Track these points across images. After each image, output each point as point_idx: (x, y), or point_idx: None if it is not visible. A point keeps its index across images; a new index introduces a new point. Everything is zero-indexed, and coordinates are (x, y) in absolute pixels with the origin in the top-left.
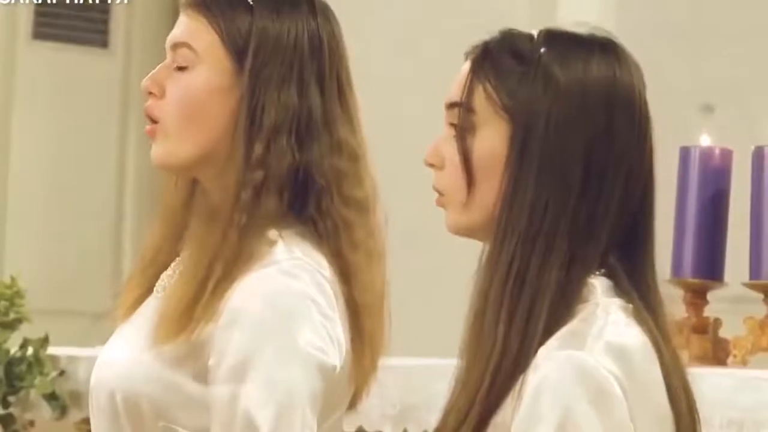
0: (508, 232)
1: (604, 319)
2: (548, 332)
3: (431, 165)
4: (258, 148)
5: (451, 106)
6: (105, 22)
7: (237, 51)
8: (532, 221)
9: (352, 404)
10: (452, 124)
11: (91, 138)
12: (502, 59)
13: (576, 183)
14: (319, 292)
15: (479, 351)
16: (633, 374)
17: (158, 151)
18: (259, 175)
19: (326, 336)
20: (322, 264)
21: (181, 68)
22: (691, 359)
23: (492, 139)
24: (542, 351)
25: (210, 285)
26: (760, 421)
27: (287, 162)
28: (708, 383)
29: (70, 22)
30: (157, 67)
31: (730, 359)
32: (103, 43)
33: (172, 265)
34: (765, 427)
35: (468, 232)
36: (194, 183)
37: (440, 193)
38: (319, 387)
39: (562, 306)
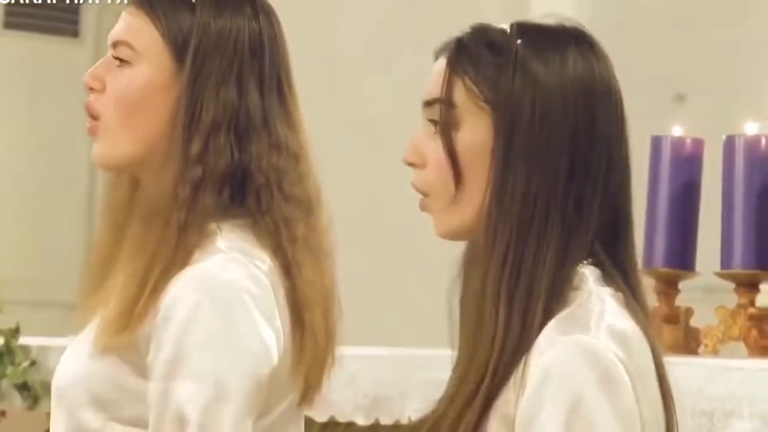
0: (500, 221)
1: (601, 306)
2: (547, 315)
3: (411, 164)
4: (196, 145)
5: (430, 103)
6: (76, 11)
7: (177, 49)
8: (524, 208)
9: (308, 398)
10: (432, 121)
11: (63, 128)
12: (478, 52)
13: (563, 169)
14: (255, 284)
15: (481, 338)
16: (634, 360)
17: (99, 150)
18: (197, 172)
19: (261, 328)
20: (261, 257)
21: (121, 65)
22: (663, 349)
23: (475, 132)
24: (543, 336)
25: (149, 285)
26: (730, 410)
27: (225, 159)
28: (679, 373)
29: (41, 12)
30: (98, 62)
31: (701, 348)
32: (74, 33)
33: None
34: (735, 417)
35: (460, 232)
36: (135, 181)
37: (423, 193)
38: (253, 380)
39: (559, 289)
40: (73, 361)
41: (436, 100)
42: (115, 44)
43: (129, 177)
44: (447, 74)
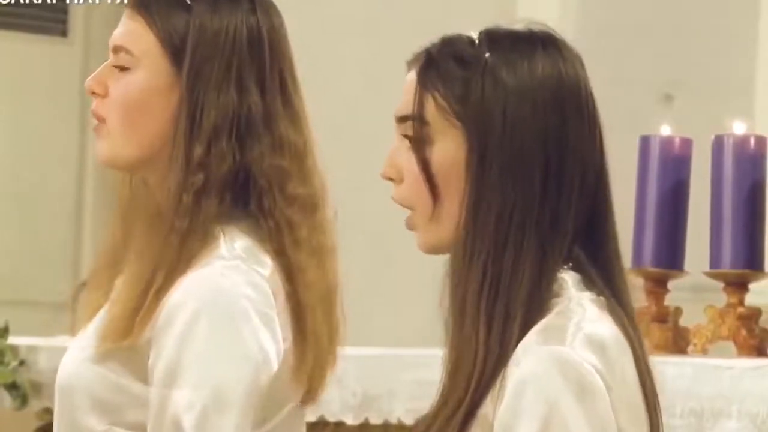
0: (477, 238)
1: (580, 314)
2: (526, 328)
3: (389, 179)
4: (198, 151)
5: (402, 119)
6: (64, 11)
7: (174, 51)
8: (499, 227)
9: (310, 399)
10: (406, 136)
11: (50, 128)
12: (447, 67)
13: (537, 182)
14: (255, 290)
15: (462, 354)
16: (612, 368)
17: (102, 149)
18: (199, 178)
19: (261, 336)
20: (263, 261)
21: (121, 69)
22: (652, 348)
23: (448, 148)
24: (521, 347)
25: (151, 292)
26: (719, 409)
27: (227, 164)
28: (668, 372)
29: (29, 11)
30: (100, 67)
31: (690, 348)
32: (63, 33)
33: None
34: (724, 416)
35: (442, 247)
36: (143, 179)
37: (404, 207)
38: (252, 388)
39: (536, 303)
40: (73, 362)
41: (407, 116)
42: (115, 50)
43: (139, 178)
44: (418, 91)
